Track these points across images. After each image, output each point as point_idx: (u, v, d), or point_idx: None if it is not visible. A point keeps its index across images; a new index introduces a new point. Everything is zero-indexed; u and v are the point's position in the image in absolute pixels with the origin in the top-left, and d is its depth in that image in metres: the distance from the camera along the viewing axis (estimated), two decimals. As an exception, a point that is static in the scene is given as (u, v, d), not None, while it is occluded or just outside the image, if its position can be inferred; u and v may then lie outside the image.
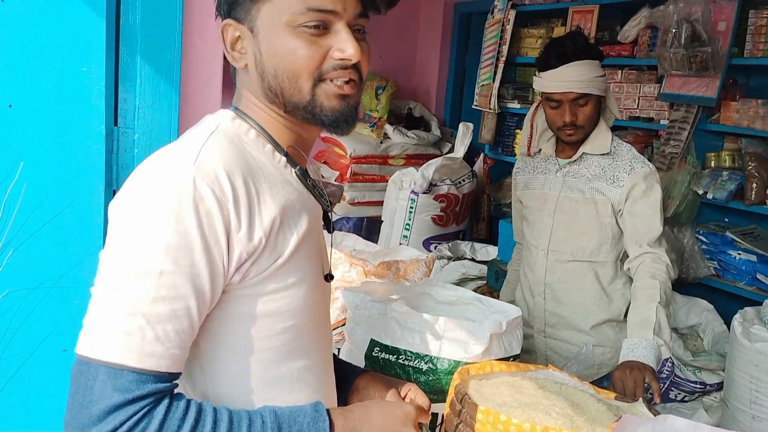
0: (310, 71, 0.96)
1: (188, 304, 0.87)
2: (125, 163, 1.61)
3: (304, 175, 1.02)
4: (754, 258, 2.90)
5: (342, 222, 2.91)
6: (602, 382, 2.20)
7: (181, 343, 0.88)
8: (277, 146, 1.01)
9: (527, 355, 2.21)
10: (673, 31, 3.03)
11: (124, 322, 0.84)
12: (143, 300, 0.85)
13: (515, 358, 1.63)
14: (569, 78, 2.06)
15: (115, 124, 1.60)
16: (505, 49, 4.10)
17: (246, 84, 1.02)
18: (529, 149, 2.30)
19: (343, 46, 0.96)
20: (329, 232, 1.13)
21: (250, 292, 0.94)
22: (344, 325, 1.64)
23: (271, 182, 0.96)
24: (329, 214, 1.13)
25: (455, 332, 1.51)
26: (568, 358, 1.99)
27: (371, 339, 1.53)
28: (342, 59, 0.96)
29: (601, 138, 2.15)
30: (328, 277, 1.08)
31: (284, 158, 1.01)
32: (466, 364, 1.45)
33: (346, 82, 0.98)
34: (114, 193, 1.61)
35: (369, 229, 2.74)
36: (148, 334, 0.85)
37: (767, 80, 3.20)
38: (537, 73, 2.17)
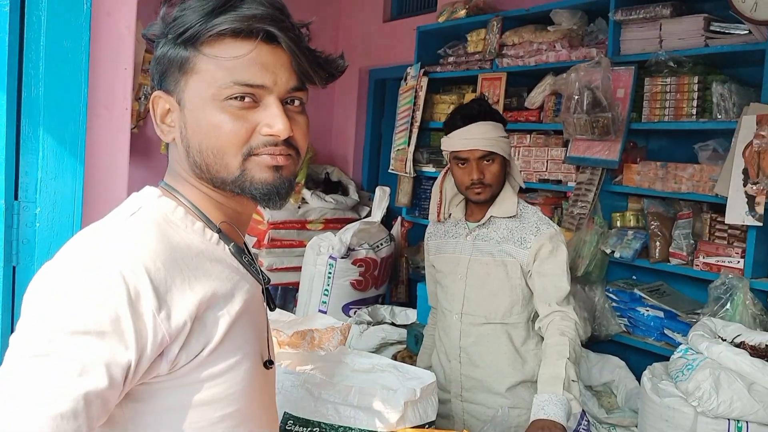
0: (237, 147, 0.92)
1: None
2: (26, 238, 1.54)
3: (239, 253, 0.98)
4: (661, 314, 3.01)
5: (256, 291, 2.86)
6: (520, 444, 2.20)
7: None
8: (208, 223, 0.96)
9: (445, 420, 2.20)
10: (576, 97, 3.18)
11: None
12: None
13: (431, 424, 1.62)
14: (475, 136, 2.14)
15: (16, 198, 1.53)
16: (418, 114, 4.20)
17: (176, 158, 0.99)
18: (438, 215, 2.34)
19: (271, 121, 0.92)
20: (271, 309, 1.08)
21: (182, 381, 0.88)
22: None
23: (198, 263, 0.91)
24: (268, 290, 1.07)
25: (369, 401, 1.48)
26: (485, 422, 1.98)
27: (285, 412, 1.49)
28: (270, 135, 0.92)
29: (507, 201, 2.22)
30: (268, 364, 1.00)
31: (216, 235, 0.96)
32: (381, 434, 1.43)
33: (280, 154, 0.94)
34: (13, 269, 1.54)
35: (284, 297, 2.70)
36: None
37: (664, 143, 3.38)
38: (445, 135, 2.24)
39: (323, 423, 1.47)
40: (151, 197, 0.95)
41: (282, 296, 2.69)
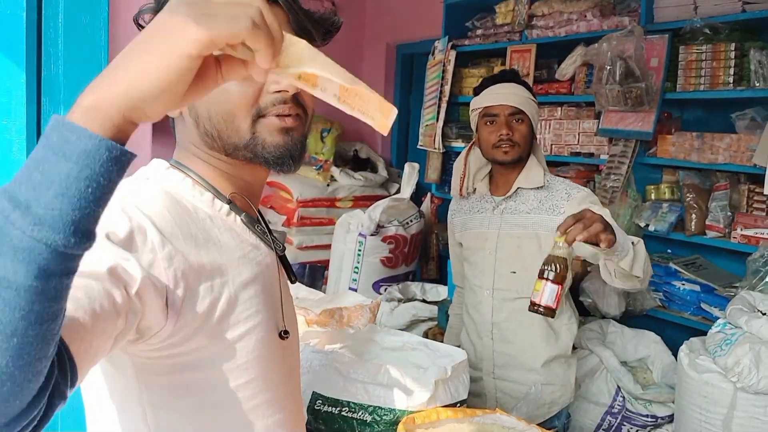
0: (247, 109, 0.91)
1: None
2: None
3: (251, 222, 0.97)
4: (697, 288, 2.94)
5: (283, 270, 2.86)
6: (553, 421, 2.18)
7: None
8: (218, 194, 0.95)
9: (477, 398, 2.18)
10: (608, 68, 3.10)
11: None
12: None
13: (462, 403, 1.60)
14: (506, 91, 2.15)
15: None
16: (447, 89, 4.14)
17: (183, 133, 0.98)
18: (461, 189, 2.31)
19: (278, 77, 0.90)
20: (291, 281, 1.07)
21: (192, 349, 0.86)
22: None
23: (206, 226, 0.91)
24: (285, 259, 1.07)
25: (399, 380, 1.47)
26: (518, 399, 1.96)
27: (313, 392, 1.48)
28: (278, 92, 0.91)
29: (534, 172, 2.18)
30: (283, 334, 0.99)
31: (226, 206, 0.95)
32: (412, 413, 1.41)
33: (289, 116, 0.93)
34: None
35: (312, 276, 2.70)
36: None
37: (700, 113, 3.29)
38: (474, 96, 2.22)
39: (352, 402, 1.45)
40: (159, 169, 0.95)
41: (310, 274, 2.68)
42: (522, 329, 2.15)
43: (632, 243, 1.79)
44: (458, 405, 1.55)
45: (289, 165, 0.95)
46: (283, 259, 1.06)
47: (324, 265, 3.26)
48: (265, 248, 0.99)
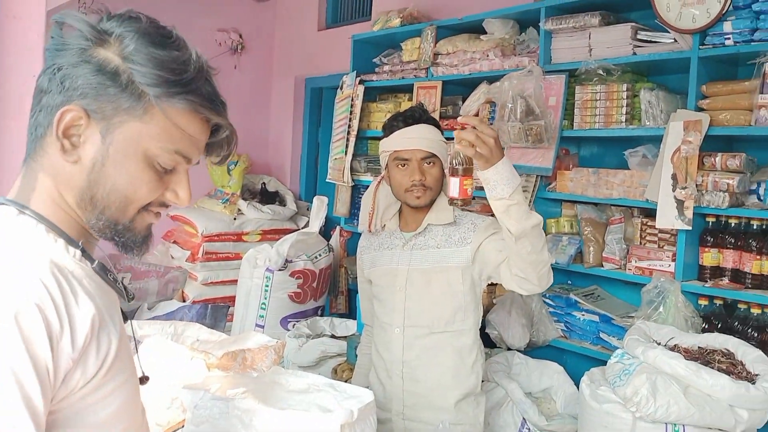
0: (141, 204, 0.95)
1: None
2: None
3: (103, 270, 0.96)
4: (596, 318, 3.04)
5: (183, 311, 2.77)
6: (463, 459, 2.18)
7: None
8: (70, 240, 0.93)
9: (386, 440, 2.16)
10: (509, 106, 3.19)
11: None
12: None
13: (369, 445, 1.58)
14: (418, 135, 2.14)
15: None
16: (355, 123, 4.17)
17: (58, 174, 0.94)
18: (370, 225, 2.31)
19: (181, 191, 0.97)
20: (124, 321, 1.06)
21: (80, 405, 0.87)
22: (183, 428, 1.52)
23: (77, 277, 0.89)
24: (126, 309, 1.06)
25: (303, 426, 1.43)
26: (425, 439, 1.96)
27: (213, 442, 1.43)
28: (171, 201, 0.98)
29: (444, 209, 2.20)
30: (144, 380, 1.03)
31: (79, 252, 0.93)
32: (316, 459, 1.38)
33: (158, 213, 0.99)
34: None
35: (214, 316, 2.62)
36: None
37: (595, 150, 3.43)
38: (384, 137, 2.22)
39: (255, 451, 1.41)
40: (9, 217, 0.92)
41: (212, 314, 2.61)
42: (432, 367, 2.15)
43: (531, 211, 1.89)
44: (364, 448, 1.53)
45: (142, 251, 1.00)
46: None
47: (228, 304, 3.18)
48: (115, 295, 0.99)
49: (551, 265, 3.05)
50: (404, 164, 2.16)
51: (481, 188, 3.54)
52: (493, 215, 2.78)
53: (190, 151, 0.95)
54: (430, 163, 2.16)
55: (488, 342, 3.18)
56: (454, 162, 1.80)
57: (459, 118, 1.85)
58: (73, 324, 0.83)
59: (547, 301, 3.22)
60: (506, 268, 2.01)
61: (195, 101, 0.93)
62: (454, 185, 1.81)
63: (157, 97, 0.91)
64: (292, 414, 1.45)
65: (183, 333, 1.85)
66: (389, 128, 2.22)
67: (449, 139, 3.60)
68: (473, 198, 3.63)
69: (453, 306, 2.15)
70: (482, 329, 3.07)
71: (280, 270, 3.67)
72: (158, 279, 3.68)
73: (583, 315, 3.08)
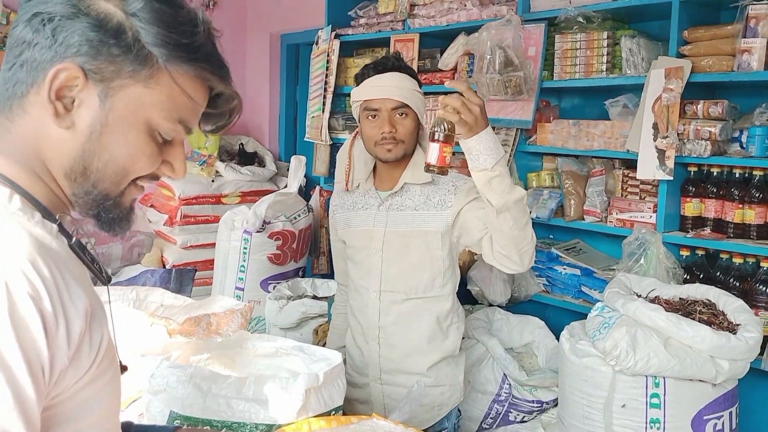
0: (137, 175, 0.87)
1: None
2: None
3: (80, 248, 0.85)
4: (578, 272, 3.00)
5: (146, 276, 2.68)
6: (443, 422, 2.15)
7: None
8: (47, 214, 0.82)
9: (364, 405, 2.12)
10: (488, 57, 3.10)
11: None
12: None
13: (338, 410, 1.53)
14: (388, 84, 2.02)
15: None
16: (332, 79, 4.07)
17: (41, 139, 0.82)
18: (347, 183, 2.22)
19: (177, 164, 0.90)
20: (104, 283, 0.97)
21: (71, 403, 0.79)
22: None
23: (63, 259, 0.79)
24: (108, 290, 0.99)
25: (267, 392, 1.38)
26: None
27: (170, 411, 1.37)
28: (166, 175, 0.91)
29: (421, 167, 2.10)
30: (123, 369, 0.94)
31: (56, 227, 0.82)
32: (280, 426, 1.33)
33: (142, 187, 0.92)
34: None
35: (179, 280, 2.55)
36: None
37: (576, 101, 3.36)
38: (356, 86, 2.12)
39: (214, 420, 1.36)
40: None
41: (177, 278, 2.53)
42: (409, 333, 2.09)
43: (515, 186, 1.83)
44: (333, 413, 1.49)
45: (124, 228, 0.92)
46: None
47: (194, 268, 3.11)
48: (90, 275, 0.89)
49: (532, 219, 3.01)
50: (374, 115, 2.05)
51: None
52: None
53: (192, 120, 0.88)
54: (402, 114, 2.04)
55: (469, 298, 3.15)
56: (436, 128, 1.74)
57: (446, 83, 1.79)
58: (68, 316, 0.74)
59: (529, 255, 3.18)
60: (488, 243, 1.94)
61: (206, 68, 0.86)
62: (433, 151, 1.74)
63: (167, 61, 0.82)
64: (254, 379, 1.39)
65: (146, 299, 1.78)
66: (360, 77, 2.12)
67: (429, 93, 3.54)
68: (453, 155, 3.59)
69: (432, 272, 2.08)
70: (463, 286, 3.05)
71: (258, 232, 3.60)
72: (122, 243, 3.59)
73: (564, 269, 3.04)
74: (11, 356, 0.68)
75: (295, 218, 3.84)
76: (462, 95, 1.70)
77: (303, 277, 3.88)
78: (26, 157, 0.82)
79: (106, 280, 0.92)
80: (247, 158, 4.72)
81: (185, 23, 0.84)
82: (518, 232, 1.84)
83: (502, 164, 1.76)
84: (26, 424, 0.69)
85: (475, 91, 1.76)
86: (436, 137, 1.73)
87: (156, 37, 0.81)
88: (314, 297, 3.55)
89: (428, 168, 1.76)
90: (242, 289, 3.58)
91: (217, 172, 4.42)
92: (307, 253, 4.02)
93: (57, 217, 0.83)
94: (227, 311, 1.70)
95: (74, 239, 0.84)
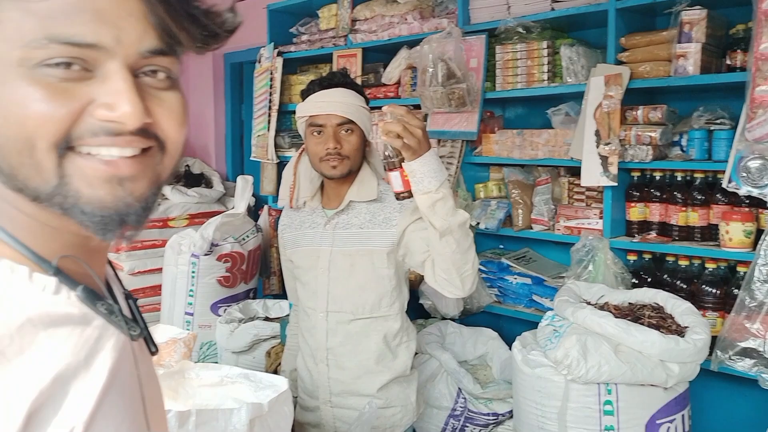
0: (52, 137, 0.58)
1: None
2: None
3: (90, 299, 0.64)
4: (528, 281, 3.01)
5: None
6: (396, 442, 2.11)
7: None
8: (39, 261, 0.62)
9: (315, 429, 2.07)
10: (430, 70, 3.10)
11: None
12: None
13: (286, 437, 1.49)
14: (334, 99, 1.99)
15: None
16: (276, 97, 4.02)
17: None
18: (291, 201, 2.18)
19: (113, 98, 0.59)
20: (152, 353, 0.77)
21: None
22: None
23: (18, 347, 0.57)
24: (149, 337, 0.77)
25: (209, 425, 1.33)
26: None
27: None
28: (108, 120, 0.60)
29: (367, 184, 2.08)
30: None
31: (52, 282, 0.62)
32: (224, 460, 1.28)
33: (122, 157, 0.61)
34: None
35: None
36: None
37: (519, 111, 3.38)
38: (301, 101, 2.09)
39: (153, 458, 1.30)
40: None
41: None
42: (357, 354, 2.06)
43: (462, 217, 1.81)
44: (280, 441, 1.44)
45: (113, 232, 0.63)
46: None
47: (135, 298, 3.03)
48: (114, 330, 0.67)
49: (480, 230, 3.00)
50: (319, 131, 2.02)
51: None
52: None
53: (79, 29, 0.57)
54: (348, 130, 2.01)
55: (422, 312, 3.13)
56: (388, 156, 1.75)
57: (384, 108, 1.76)
58: None
59: (481, 267, 3.17)
60: (430, 266, 1.92)
61: None
62: (395, 179, 1.75)
63: None
64: (196, 413, 1.34)
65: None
66: (306, 92, 2.09)
67: (373, 108, 3.52)
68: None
69: (378, 292, 2.05)
70: (415, 300, 3.03)
71: (206, 255, 3.52)
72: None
73: (515, 278, 3.05)
74: None
75: (243, 239, 3.77)
76: (403, 119, 1.68)
77: (254, 298, 3.80)
78: None
79: (135, 333, 0.69)
80: (193, 180, 4.64)
81: None
82: (460, 255, 1.82)
83: (445, 186, 1.75)
84: None
85: (415, 114, 1.74)
86: (390, 166, 1.75)
87: None
88: (266, 318, 3.49)
89: (399, 196, 1.78)
90: (192, 314, 3.50)
91: (163, 194, 4.32)
92: (257, 274, 3.95)
93: (53, 263, 0.63)
94: (169, 341, 1.64)
95: (80, 287, 0.64)
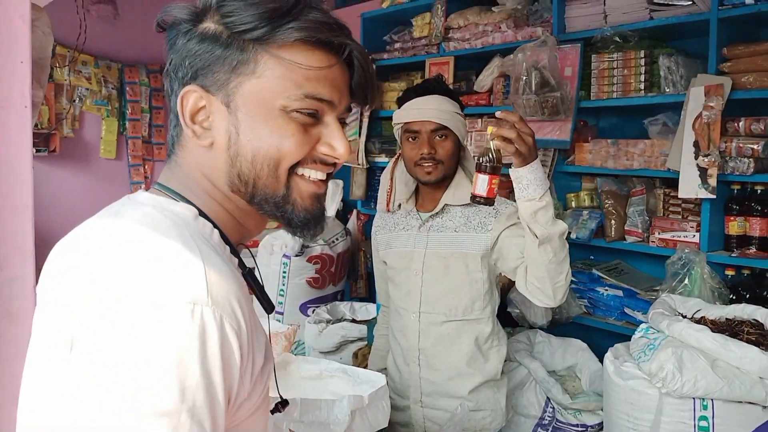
0: (294, 160, 0.85)
1: None
2: None
3: (253, 279, 0.88)
4: (620, 293, 2.96)
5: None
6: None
7: None
8: (232, 248, 0.86)
9: (405, 428, 2.11)
10: (524, 78, 3.11)
11: None
12: None
13: (382, 431, 1.53)
14: (428, 106, 2.05)
15: None
16: (368, 104, 4.10)
17: (202, 165, 0.87)
18: (388, 204, 2.24)
19: (335, 142, 0.87)
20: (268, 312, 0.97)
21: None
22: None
23: (246, 294, 0.81)
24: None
25: (313, 414, 1.39)
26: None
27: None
28: (328, 155, 0.87)
29: (462, 187, 2.12)
30: (280, 407, 0.97)
31: (237, 260, 0.86)
32: (326, 448, 1.34)
33: (322, 180, 0.88)
34: None
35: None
36: None
37: (614, 120, 3.34)
38: (397, 108, 2.15)
39: (262, 441, 1.37)
40: (188, 217, 0.83)
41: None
42: (449, 355, 2.09)
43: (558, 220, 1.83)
44: (377, 434, 1.49)
45: (314, 232, 0.90)
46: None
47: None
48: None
49: (571, 240, 2.98)
50: (414, 137, 2.08)
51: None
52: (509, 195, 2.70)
53: (322, 90, 0.84)
54: (442, 136, 2.06)
55: (510, 321, 3.12)
56: (482, 159, 1.75)
57: (497, 113, 1.79)
58: (254, 353, 0.77)
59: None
60: (522, 273, 1.95)
61: (303, 26, 0.82)
62: (482, 182, 1.75)
63: (260, 40, 0.82)
64: (300, 402, 1.40)
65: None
66: (402, 100, 2.15)
67: (470, 116, 3.55)
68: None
69: (471, 294, 2.08)
70: (504, 308, 3.03)
71: (297, 256, 3.63)
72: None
73: (606, 290, 3.01)
74: (218, 390, 0.70)
75: (333, 242, 3.86)
76: (515, 126, 1.71)
77: (341, 300, 3.89)
78: (201, 188, 0.87)
79: (269, 309, 0.93)
80: (285, 183, 4.77)
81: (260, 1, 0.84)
82: (556, 265, 1.84)
83: (548, 195, 1.77)
84: None
85: (525, 121, 1.77)
86: (483, 169, 1.74)
87: (242, 21, 0.82)
88: (353, 320, 3.56)
89: (474, 199, 1.78)
90: (282, 313, 3.61)
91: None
92: (345, 276, 4.03)
93: (236, 246, 0.86)
94: (272, 335, 1.71)
95: (248, 269, 0.86)
